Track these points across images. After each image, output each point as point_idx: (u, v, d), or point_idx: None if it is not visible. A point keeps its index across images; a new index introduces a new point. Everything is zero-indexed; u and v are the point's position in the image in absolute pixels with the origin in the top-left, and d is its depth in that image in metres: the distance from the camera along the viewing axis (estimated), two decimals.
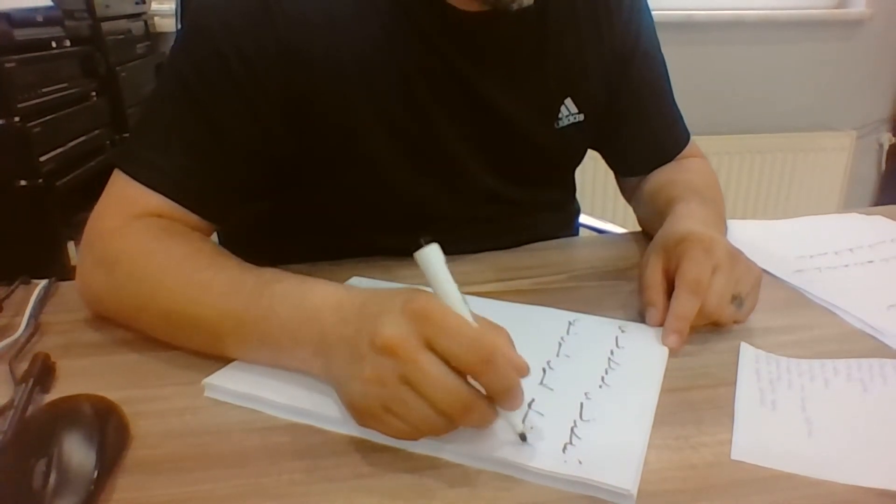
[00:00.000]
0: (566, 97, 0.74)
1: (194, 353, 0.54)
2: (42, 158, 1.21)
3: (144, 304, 0.56)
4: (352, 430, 0.45)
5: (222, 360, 0.52)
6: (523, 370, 0.42)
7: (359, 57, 0.63)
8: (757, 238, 0.77)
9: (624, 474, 0.40)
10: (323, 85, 0.63)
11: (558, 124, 0.74)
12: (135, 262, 0.57)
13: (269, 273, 0.53)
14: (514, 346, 0.43)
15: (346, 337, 0.45)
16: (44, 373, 0.51)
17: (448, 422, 0.41)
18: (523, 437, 0.43)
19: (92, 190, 0.68)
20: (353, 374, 0.43)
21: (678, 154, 0.84)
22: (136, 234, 0.59)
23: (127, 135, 1.59)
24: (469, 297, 0.61)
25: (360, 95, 0.64)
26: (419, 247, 0.43)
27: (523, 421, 0.44)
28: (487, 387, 0.41)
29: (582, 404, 0.47)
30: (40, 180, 1.19)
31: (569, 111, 0.75)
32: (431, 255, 0.43)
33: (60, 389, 0.50)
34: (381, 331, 0.42)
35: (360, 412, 0.44)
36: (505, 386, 0.41)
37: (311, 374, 0.49)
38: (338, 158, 0.68)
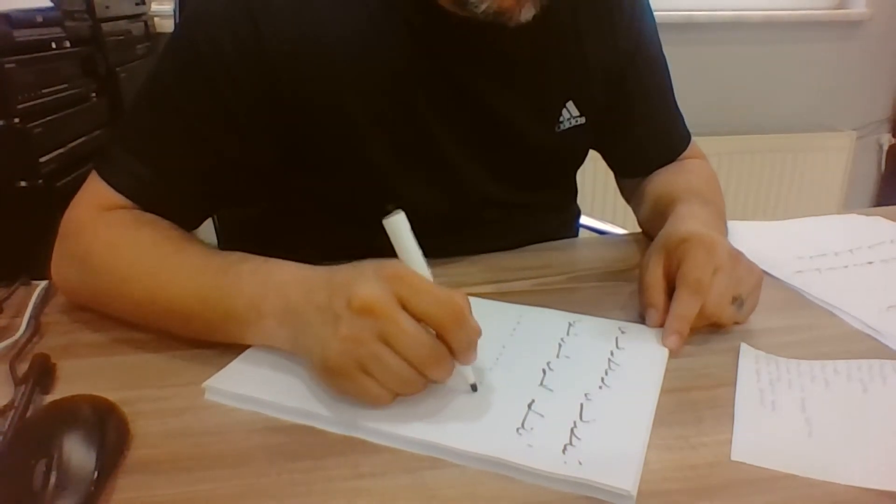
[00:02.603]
0: (568, 100, 0.74)
1: (194, 354, 0.54)
2: (42, 159, 1.20)
3: (117, 293, 0.58)
4: (352, 430, 0.45)
5: (222, 359, 0.52)
6: (479, 332, 0.46)
7: (351, 62, 0.63)
8: (757, 239, 0.77)
9: (624, 475, 0.40)
10: (313, 93, 0.63)
11: (559, 127, 0.74)
12: (104, 255, 0.59)
13: (235, 255, 0.56)
14: (471, 311, 0.46)
15: (317, 304, 0.47)
16: (44, 373, 0.51)
17: (418, 377, 0.45)
18: (474, 388, 0.48)
19: None
20: (328, 336, 0.45)
21: (679, 155, 0.84)
22: (106, 226, 0.60)
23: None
24: (469, 298, 0.61)
25: (352, 100, 0.64)
26: (386, 214, 0.46)
27: (523, 422, 0.45)
28: (454, 342, 0.44)
29: (582, 405, 0.47)
30: (40, 181, 1.19)
31: (570, 114, 0.74)
32: (399, 223, 0.46)
33: (60, 390, 0.50)
34: (357, 292, 0.44)
35: (334, 373, 0.45)
36: (469, 341, 0.45)
37: (275, 346, 0.51)
38: (331, 163, 0.68)
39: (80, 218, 0.62)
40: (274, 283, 0.51)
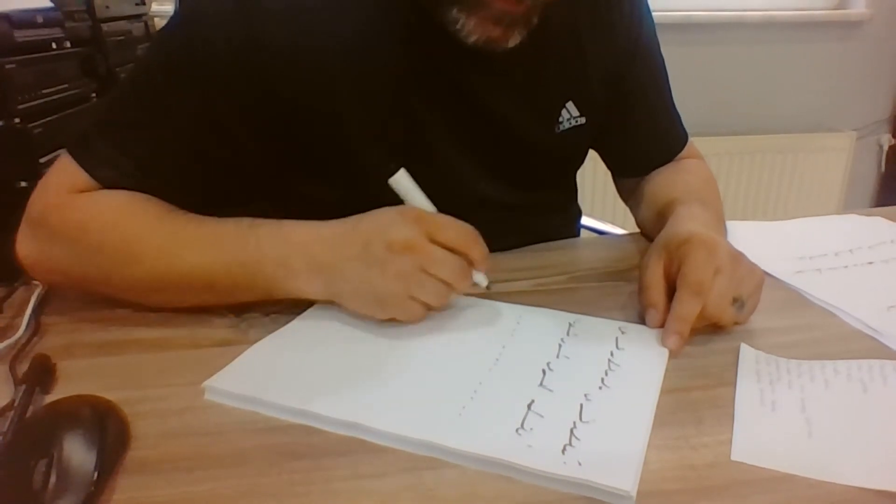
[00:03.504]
0: (567, 100, 0.74)
1: (194, 354, 0.55)
2: (42, 160, 1.20)
3: (124, 268, 0.59)
4: (352, 430, 0.45)
5: (222, 359, 0.52)
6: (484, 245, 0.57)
7: (347, 65, 0.63)
8: (757, 239, 0.77)
9: (623, 475, 0.40)
10: (309, 96, 0.63)
11: (559, 128, 0.74)
12: (107, 230, 0.59)
13: (246, 220, 0.59)
14: None
15: (354, 255, 0.55)
16: (44, 374, 0.51)
17: (449, 290, 0.56)
18: (489, 287, 0.60)
19: None
20: (376, 278, 0.54)
21: (676, 155, 0.84)
22: (103, 203, 0.61)
23: None
24: (468, 298, 0.62)
25: (348, 104, 0.64)
26: (391, 174, 0.57)
27: (523, 423, 0.45)
28: (475, 257, 0.56)
29: (582, 406, 0.47)
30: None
31: (570, 114, 0.74)
32: (403, 179, 0.58)
33: (61, 390, 0.50)
34: (395, 237, 0.54)
35: (388, 304, 0.55)
36: (484, 254, 0.57)
37: (306, 296, 0.58)
38: (327, 167, 0.67)
39: (59, 201, 0.61)
40: (297, 243, 0.57)
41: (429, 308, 0.56)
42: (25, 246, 0.62)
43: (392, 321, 0.56)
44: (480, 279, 0.59)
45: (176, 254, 0.58)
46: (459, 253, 0.55)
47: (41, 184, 0.63)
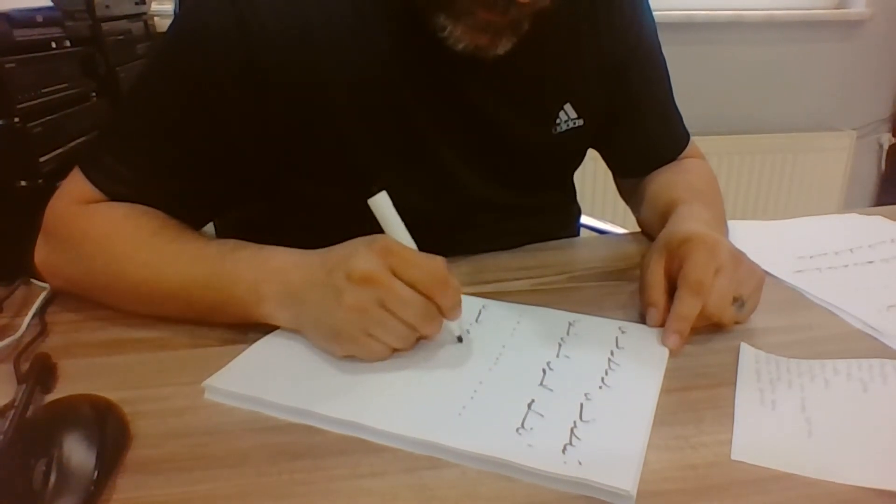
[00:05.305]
0: (565, 102, 0.73)
1: (194, 354, 0.55)
2: (42, 159, 1.20)
3: (114, 278, 0.60)
4: (352, 430, 0.45)
5: (222, 359, 0.52)
6: (460, 291, 0.52)
7: (342, 69, 0.63)
8: (757, 238, 0.77)
9: (623, 475, 0.40)
10: (305, 102, 0.63)
11: (556, 130, 0.74)
12: (103, 241, 0.61)
13: (230, 243, 0.59)
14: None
15: (317, 282, 0.52)
16: (45, 373, 0.51)
17: (413, 333, 0.51)
18: (460, 339, 0.54)
19: None
20: (332, 307, 0.50)
21: (678, 155, 0.84)
22: (102, 215, 0.62)
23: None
24: (469, 298, 0.62)
25: (339, 95, 0.64)
26: (371, 195, 0.52)
27: (523, 422, 0.45)
28: (442, 303, 0.51)
29: (582, 405, 0.47)
30: (41, 181, 1.19)
31: (568, 116, 0.74)
32: (382, 202, 0.52)
33: (61, 389, 0.50)
34: (356, 266, 0.50)
35: (342, 339, 0.51)
36: (455, 302, 0.52)
37: (276, 324, 0.55)
38: (321, 165, 0.67)
39: (67, 211, 0.63)
40: (271, 269, 0.55)
41: (394, 349, 0.52)
42: (39, 253, 0.64)
43: (352, 358, 0.51)
44: (453, 328, 0.54)
45: (159, 270, 0.58)
46: (425, 296, 0.50)
47: (56, 194, 0.65)
